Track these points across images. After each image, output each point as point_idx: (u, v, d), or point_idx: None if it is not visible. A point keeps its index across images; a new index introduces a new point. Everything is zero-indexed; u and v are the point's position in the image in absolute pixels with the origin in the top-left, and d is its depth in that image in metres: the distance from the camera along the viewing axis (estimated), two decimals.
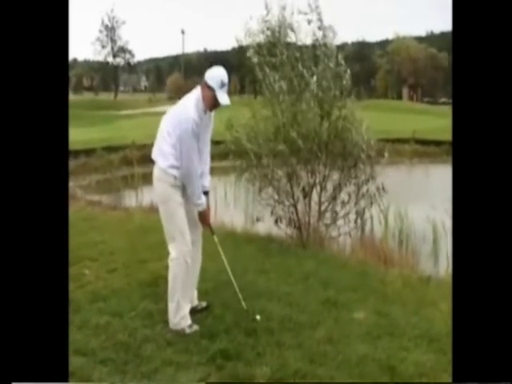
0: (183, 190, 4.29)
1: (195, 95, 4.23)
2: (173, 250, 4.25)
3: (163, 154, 4.22)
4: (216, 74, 4.18)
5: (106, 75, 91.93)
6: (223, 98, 4.17)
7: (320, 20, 7.81)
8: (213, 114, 4.42)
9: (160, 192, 4.30)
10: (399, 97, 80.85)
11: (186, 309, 4.29)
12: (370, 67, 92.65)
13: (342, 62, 7.70)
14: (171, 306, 4.26)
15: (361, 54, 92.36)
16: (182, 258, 4.21)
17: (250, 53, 7.68)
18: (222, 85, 4.15)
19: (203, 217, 4.42)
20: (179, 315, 4.23)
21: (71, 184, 14.02)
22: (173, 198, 4.23)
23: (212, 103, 4.21)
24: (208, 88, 4.17)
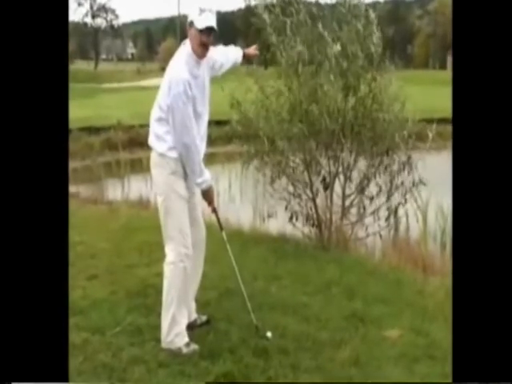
0: (187, 177, 4.31)
1: (184, 50, 4.25)
2: (170, 253, 4.27)
3: (158, 136, 4.24)
4: (193, 9, 4.21)
5: (84, 40, 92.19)
6: (202, 21, 4.15)
7: None
8: (206, 67, 4.39)
9: (159, 182, 4.32)
10: (443, 66, 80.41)
11: (182, 324, 4.31)
12: (407, 30, 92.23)
13: (374, 22, 7.63)
14: (165, 321, 4.27)
15: (396, 15, 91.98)
16: (181, 263, 4.22)
17: (260, 10, 7.63)
18: (201, 11, 4.16)
19: (209, 195, 4.42)
20: (174, 332, 4.25)
21: None
22: (175, 189, 4.24)
23: (199, 44, 4.21)
24: (191, 29, 4.19)
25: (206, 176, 4.34)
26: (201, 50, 4.24)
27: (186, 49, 4.26)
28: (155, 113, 4.27)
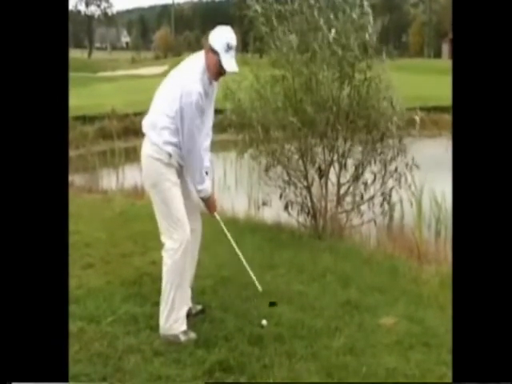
0: (179, 170, 4.31)
1: (201, 63, 4.26)
2: (168, 240, 4.26)
3: (157, 127, 4.24)
4: (220, 35, 4.21)
5: (78, 28, 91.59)
6: (229, 63, 4.20)
7: None
8: (216, 84, 4.45)
9: (151, 172, 4.31)
10: (438, 55, 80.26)
11: (181, 311, 4.30)
12: (401, 19, 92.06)
13: (369, 10, 7.60)
14: (164, 307, 4.27)
15: (391, 3, 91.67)
16: (180, 249, 4.21)
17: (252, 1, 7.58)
18: (229, 48, 4.18)
19: (209, 204, 4.48)
20: (173, 318, 4.24)
21: None
22: (166, 178, 4.24)
23: (217, 71, 4.26)
24: (212, 52, 4.20)
25: (206, 185, 4.36)
26: (216, 76, 4.30)
27: (201, 63, 4.26)
28: (160, 107, 4.27)
